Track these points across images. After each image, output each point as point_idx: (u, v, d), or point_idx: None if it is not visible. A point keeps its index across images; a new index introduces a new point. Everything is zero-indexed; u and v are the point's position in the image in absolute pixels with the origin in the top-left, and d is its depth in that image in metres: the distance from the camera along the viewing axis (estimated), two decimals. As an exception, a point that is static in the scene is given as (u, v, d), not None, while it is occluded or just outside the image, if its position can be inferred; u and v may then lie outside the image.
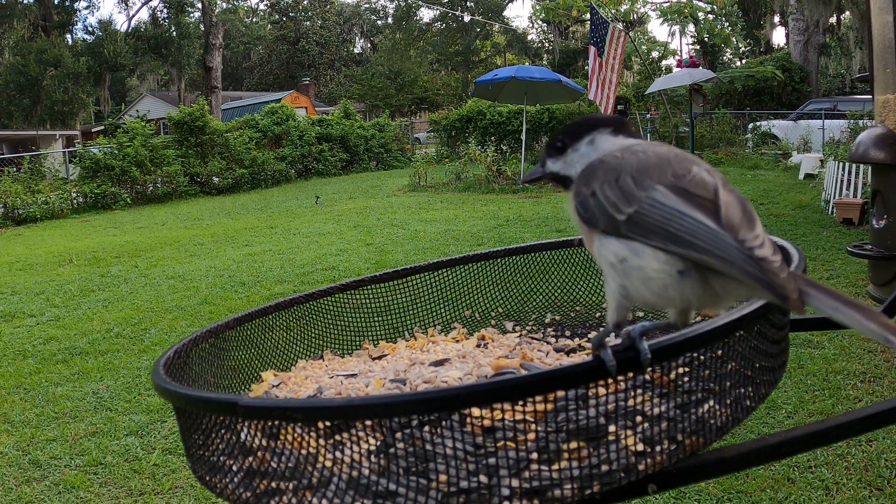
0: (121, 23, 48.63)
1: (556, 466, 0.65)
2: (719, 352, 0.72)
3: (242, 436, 0.74)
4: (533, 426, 0.68)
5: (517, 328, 1.22)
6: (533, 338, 1.17)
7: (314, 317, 1.20)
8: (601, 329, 1.17)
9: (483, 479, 0.65)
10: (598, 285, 1.23)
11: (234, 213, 13.41)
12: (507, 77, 14.77)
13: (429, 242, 8.52)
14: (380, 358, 1.12)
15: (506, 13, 54.69)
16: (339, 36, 51.76)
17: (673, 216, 0.65)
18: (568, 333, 1.17)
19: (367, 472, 0.67)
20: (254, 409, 0.68)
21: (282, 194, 16.23)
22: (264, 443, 0.71)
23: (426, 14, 52.32)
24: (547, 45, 51.48)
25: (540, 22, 51.08)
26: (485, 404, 0.66)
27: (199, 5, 33.39)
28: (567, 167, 0.79)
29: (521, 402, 0.66)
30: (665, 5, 21.24)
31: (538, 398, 0.67)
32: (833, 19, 28.05)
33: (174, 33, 34.52)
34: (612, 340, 0.97)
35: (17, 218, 14.29)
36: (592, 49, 13.82)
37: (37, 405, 4.20)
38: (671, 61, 38.38)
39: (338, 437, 0.69)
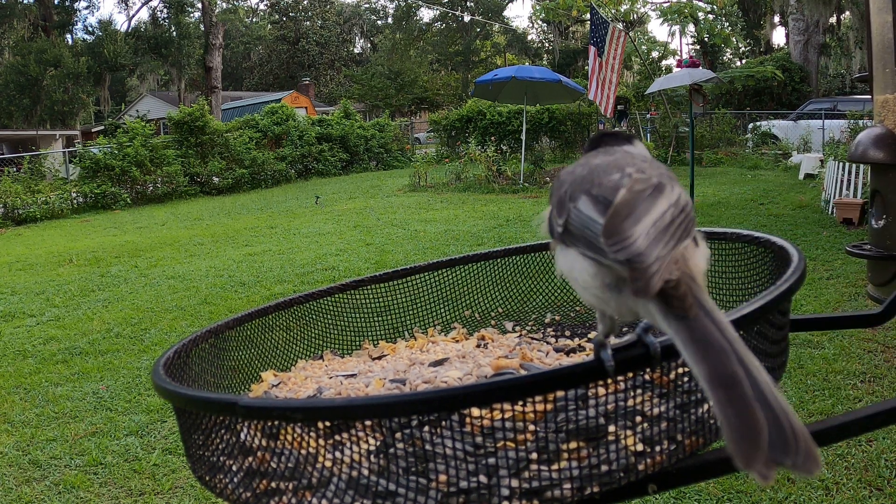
0: (121, 23, 48.70)
1: (555, 466, 0.65)
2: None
3: (242, 436, 0.74)
4: (532, 426, 0.68)
5: (517, 328, 1.22)
6: (533, 338, 1.16)
7: (314, 317, 1.20)
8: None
9: (483, 479, 0.65)
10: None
11: (234, 213, 13.41)
12: (507, 77, 14.76)
13: (429, 242, 8.53)
14: (379, 358, 1.12)
15: (506, 13, 54.73)
16: (339, 36, 51.77)
17: (584, 220, 0.65)
18: (568, 333, 1.17)
19: (366, 472, 0.67)
20: (253, 409, 0.68)
21: (282, 194, 16.24)
22: (264, 443, 0.71)
23: (426, 14, 52.36)
24: (547, 45, 51.49)
25: (540, 22, 51.10)
26: (485, 404, 0.66)
27: (199, 5, 33.39)
28: None
29: (520, 402, 0.66)
30: (665, 5, 21.24)
31: (538, 398, 0.67)
32: (833, 19, 28.07)
33: (174, 33, 34.53)
34: (614, 340, 0.97)
35: (17, 218, 14.30)
36: (592, 49, 13.82)
37: (37, 405, 4.20)
38: (671, 61, 38.36)
39: (338, 438, 0.69)
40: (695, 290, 0.60)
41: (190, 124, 17.52)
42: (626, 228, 0.62)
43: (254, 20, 51.44)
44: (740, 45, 35.65)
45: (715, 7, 25.96)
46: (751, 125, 19.74)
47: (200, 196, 17.18)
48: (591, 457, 0.66)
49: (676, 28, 25.36)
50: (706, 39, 28.51)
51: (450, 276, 1.26)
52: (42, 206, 14.75)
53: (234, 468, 0.74)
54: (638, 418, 0.69)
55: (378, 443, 0.68)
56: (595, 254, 0.63)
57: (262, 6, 51.98)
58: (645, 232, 0.61)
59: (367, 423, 0.67)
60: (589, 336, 1.15)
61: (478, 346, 1.12)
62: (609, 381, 0.67)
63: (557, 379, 0.64)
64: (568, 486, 0.64)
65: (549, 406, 0.69)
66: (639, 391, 0.69)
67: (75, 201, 15.67)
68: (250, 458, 0.72)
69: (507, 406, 0.66)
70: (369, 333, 1.23)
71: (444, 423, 0.67)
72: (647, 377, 0.70)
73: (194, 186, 17.39)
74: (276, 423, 0.69)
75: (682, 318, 0.58)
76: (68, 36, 34.90)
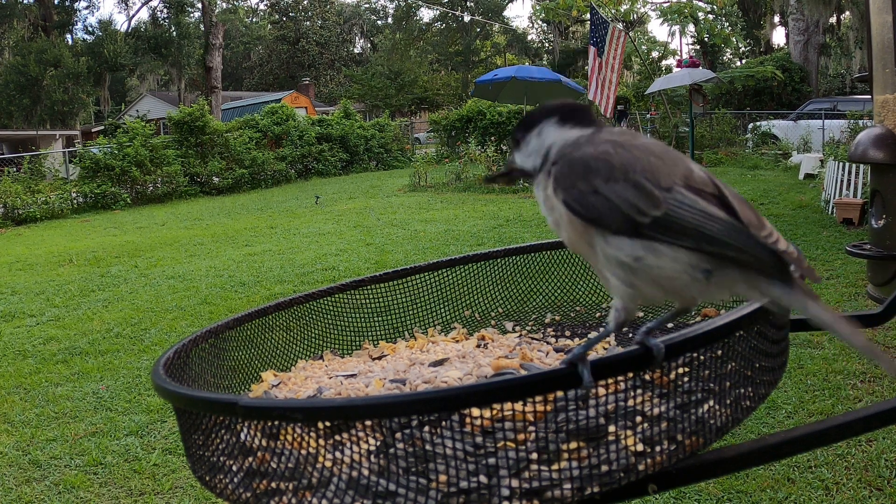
0: (121, 23, 48.69)
1: (555, 466, 0.65)
2: (719, 352, 0.72)
3: (242, 436, 0.74)
4: (532, 426, 0.68)
5: (517, 328, 1.22)
6: (533, 338, 1.16)
7: (314, 317, 1.20)
8: (601, 330, 1.17)
9: (483, 479, 0.65)
10: (598, 285, 1.23)
11: (234, 213, 13.41)
12: (507, 77, 14.77)
13: (429, 242, 8.52)
14: (380, 358, 1.12)
15: (506, 13, 54.74)
16: (339, 36, 51.74)
17: (704, 217, 0.65)
18: (568, 333, 1.17)
19: (366, 472, 0.67)
20: (253, 409, 0.68)
21: (282, 194, 16.23)
22: (264, 443, 0.71)
23: (426, 14, 52.35)
24: (547, 45, 51.49)
25: (540, 22, 51.12)
26: (485, 404, 0.66)
27: (199, 5, 33.38)
28: (524, 160, 0.80)
29: (520, 402, 0.66)
30: (665, 5, 21.24)
31: (538, 398, 0.67)
32: (833, 19, 28.07)
33: (174, 33, 34.54)
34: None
35: (17, 218, 14.29)
36: (592, 49, 13.82)
37: (37, 405, 4.20)
38: (671, 61, 38.44)
39: (338, 438, 0.69)
40: None
41: (190, 124, 17.51)
42: (764, 223, 0.68)
43: (254, 20, 51.42)
44: (740, 45, 35.61)
45: (715, 7, 25.97)
46: (751, 125, 19.73)
47: (200, 196, 17.17)
48: (591, 457, 0.66)
49: (676, 28, 25.36)
50: (706, 39, 28.51)
51: (450, 276, 1.26)
52: (42, 206, 14.74)
53: (234, 468, 0.74)
54: (638, 418, 0.69)
55: (378, 443, 0.68)
56: (717, 247, 0.64)
57: (262, 6, 52.00)
58: (773, 227, 0.68)
59: (367, 423, 0.67)
60: (589, 336, 1.15)
61: (478, 346, 1.12)
62: (609, 381, 0.67)
63: (557, 379, 0.64)
64: (568, 486, 0.64)
65: (550, 406, 0.69)
66: (639, 391, 0.69)
67: (75, 201, 15.66)
68: (250, 459, 0.72)
69: (507, 406, 0.66)
70: (369, 333, 1.23)
71: (444, 423, 0.67)
72: (647, 377, 0.70)
73: (194, 186, 17.37)
74: (276, 423, 0.69)
75: (811, 295, 0.66)
76: (68, 36, 34.92)
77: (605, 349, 1.06)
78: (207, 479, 0.77)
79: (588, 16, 15.27)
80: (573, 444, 0.67)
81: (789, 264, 0.65)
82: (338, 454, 0.68)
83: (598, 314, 1.21)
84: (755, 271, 0.65)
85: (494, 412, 0.67)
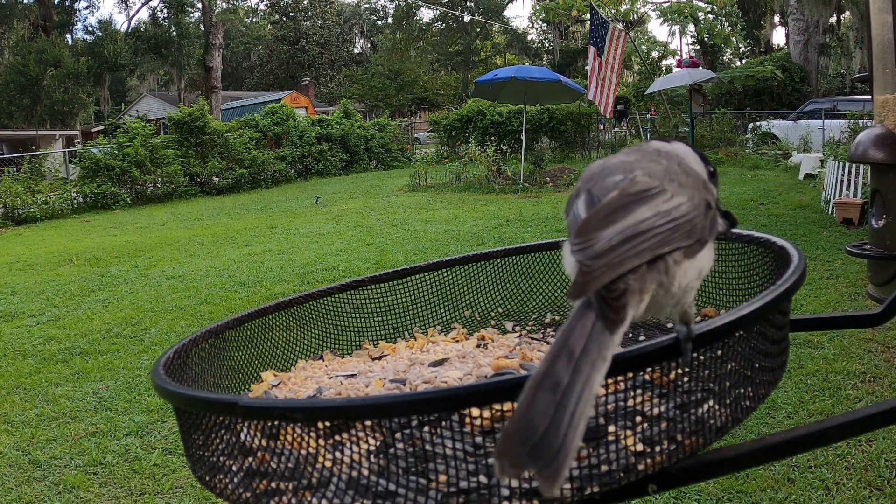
0: (121, 23, 48.71)
1: (555, 466, 0.65)
2: (719, 352, 0.72)
3: (242, 436, 0.74)
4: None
5: (517, 328, 1.22)
6: (533, 338, 1.16)
7: (314, 317, 1.20)
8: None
9: (483, 479, 0.65)
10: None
11: (234, 213, 13.41)
12: (507, 77, 14.77)
13: (429, 242, 8.53)
14: (379, 358, 1.12)
15: (506, 13, 54.77)
16: (339, 36, 51.76)
17: (573, 216, 0.67)
18: (568, 333, 1.17)
19: (366, 472, 0.67)
20: (253, 409, 0.68)
21: (282, 194, 16.24)
22: (264, 443, 0.71)
23: (426, 14, 52.39)
24: (547, 45, 51.51)
25: (540, 22, 51.17)
26: (485, 404, 0.66)
27: (199, 5, 33.39)
28: None
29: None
30: (665, 5, 21.24)
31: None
32: (833, 19, 28.08)
33: (174, 33, 34.57)
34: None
35: (17, 218, 14.29)
36: (592, 49, 13.82)
37: (37, 405, 4.20)
38: (671, 61, 38.49)
39: (337, 438, 0.69)
40: (633, 303, 0.60)
41: (190, 124, 17.52)
42: (596, 230, 0.62)
43: (254, 20, 51.45)
44: (740, 45, 35.63)
45: (715, 7, 25.99)
46: (751, 125, 19.73)
47: (200, 196, 17.18)
48: (591, 457, 0.66)
49: (676, 28, 25.38)
50: (706, 39, 28.52)
51: (450, 276, 1.26)
52: (42, 206, 14.75)
53: (234, 468, 0.74)
54: (638, 418, 0.69)
55: (378, 443, 0.68)
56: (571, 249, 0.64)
57: (262, 6, 52.02)
58: (610, 236, 0.61)
59: (367, 423, 0.67)
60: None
61: (478, 346, 1.12)
62: (609, 381, 0.67)
63: (557, 379, 0.64)
64: (568, 486, 0.64)
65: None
66: (639, 391, 0.69)
67: (75, 201, 15.66)
68: (250, 459, 0.72)
69: (507, 406, 0.66)
70: (369, 333, 1.23)
71: (444, 423, 0.67)
72: (646, 377, 0.70)
73: (194, 186, 17.38)
74: (276, 423, 0.69)
75: (583, 319, 0.58)
76: (68, 36, 34.93)
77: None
78: (207, 479, 0.77)
79: (588, 16, 15.28)
80: (573, 444, 0.67)
81: (580, 269, 0.59)
82: (338, 454, 0.68)
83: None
84: None
85: (494, 412, 0.67)
